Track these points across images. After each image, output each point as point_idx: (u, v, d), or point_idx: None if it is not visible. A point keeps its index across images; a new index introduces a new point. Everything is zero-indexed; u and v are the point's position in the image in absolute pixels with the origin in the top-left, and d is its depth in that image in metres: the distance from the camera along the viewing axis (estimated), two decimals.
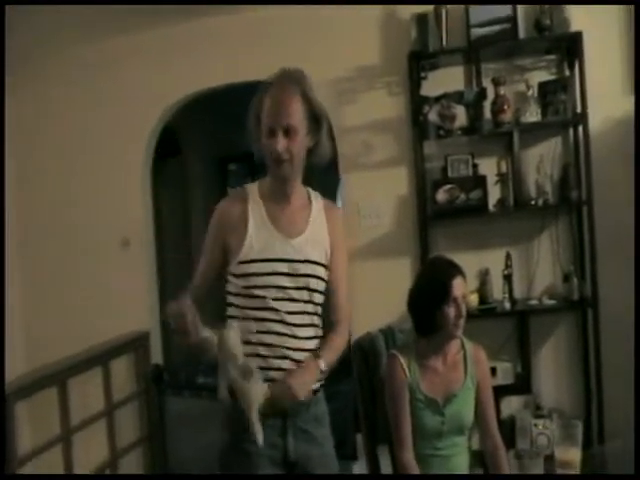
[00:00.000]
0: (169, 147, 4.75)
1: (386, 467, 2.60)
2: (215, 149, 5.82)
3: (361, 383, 2.61)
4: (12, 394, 3.15)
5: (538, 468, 2.04)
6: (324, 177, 4.52)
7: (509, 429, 3.35)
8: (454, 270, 2.45)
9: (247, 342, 2.03)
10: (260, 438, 1.93)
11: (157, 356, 4.17)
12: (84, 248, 4.20)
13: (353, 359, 2.62)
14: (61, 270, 4.25)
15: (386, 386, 2.48)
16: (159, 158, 4.36)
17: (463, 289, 2.43)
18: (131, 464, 4.05)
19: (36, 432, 3.72)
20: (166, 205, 5.02)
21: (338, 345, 2.16)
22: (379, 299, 3.58)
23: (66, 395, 3.56)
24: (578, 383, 3.59)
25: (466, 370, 2.51)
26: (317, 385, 2.12)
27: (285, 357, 2.06)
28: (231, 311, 2.13)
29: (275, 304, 2.06)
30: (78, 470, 3.60)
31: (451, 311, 2.38)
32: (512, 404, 3.54)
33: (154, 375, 4.05)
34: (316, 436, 2.13)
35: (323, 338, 2.16)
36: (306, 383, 2.01)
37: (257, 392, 1.91)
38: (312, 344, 2.12)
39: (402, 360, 2.46)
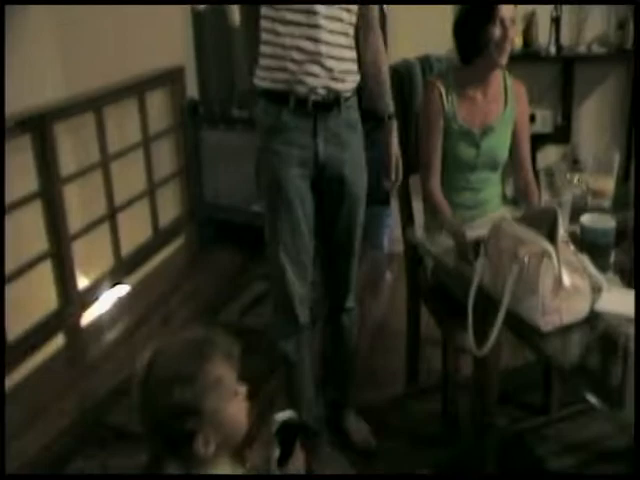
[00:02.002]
0: None
1: (417, 204, 2.62)
2: None
3: (396, 111, 2.56)
4: (49, 114, 3.20)
5: (568, 194, 2.04)
6: None
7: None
8: None
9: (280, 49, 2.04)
10: None
11: (192, 90, 4.15)
12: None
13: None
14: None
15: (421, 112, 2.43)
16: None
17: (512, 13, 2.29)
18: (168, 194, 4.20)
19: (76, 158, 3.83)
20: None
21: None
22: (416, 28, 3.43)
23: (103, 122, 3.60)
24: (619, 140, 3.52)
25: (506, 103, 2.44)
26: (349, 88, 2.15)
27: (317, 63, 2.04)
28: (265, 12, 2.06)
29: (315, 7, 2.00)
30: (118, 196, 3.75)
31: (496, 31, 2.26)
32: (549, 155, 3.50)
33: (189, 108, 4.06)
34: (346, 140, 2.17)
35: None
36: None
37: None
38: (348, 54, 2.12)
39: (440, 86, 2.38)
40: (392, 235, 3.82)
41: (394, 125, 2.30)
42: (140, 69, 3.92)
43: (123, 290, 3.72)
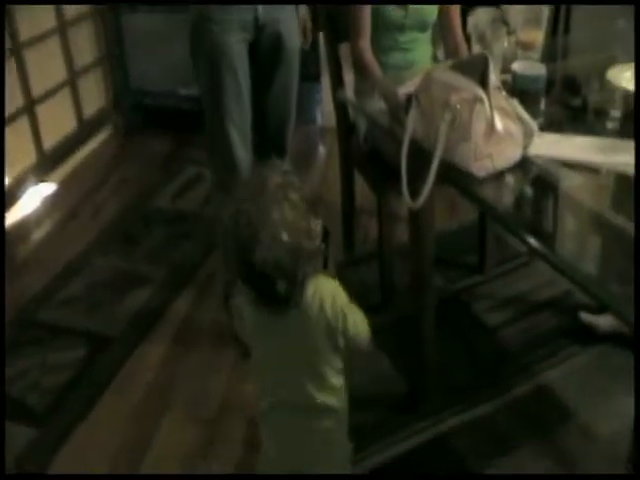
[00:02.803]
0: None
1: (347, 74, 2.56)
2: None
3: None
4: None
5: (499, 45, 2.01)
6: None
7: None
8: None
9: None
10: None
11: None
12: None
13: None
14: None
15: None
16: None
17: None
18: (91, 83, 4.01)
19: None
20: None
21: None
22: None
23: (9, 9, 3.36)
24: None
25: None
26: None
27: None
28: None
29: None
30: (35, 87, 3.55)
31: None
32: (479, 19, 3.42)
33: None
34: None
35: None
36: None
37: None
38: None
39: None
40: (324, 110, 3.79)
41: None
42: None
43: (49, 188, 3.59)
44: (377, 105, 2.00)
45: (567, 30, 3.16)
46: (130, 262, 2.98)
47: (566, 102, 1.82)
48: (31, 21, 3.54)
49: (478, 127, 1.53)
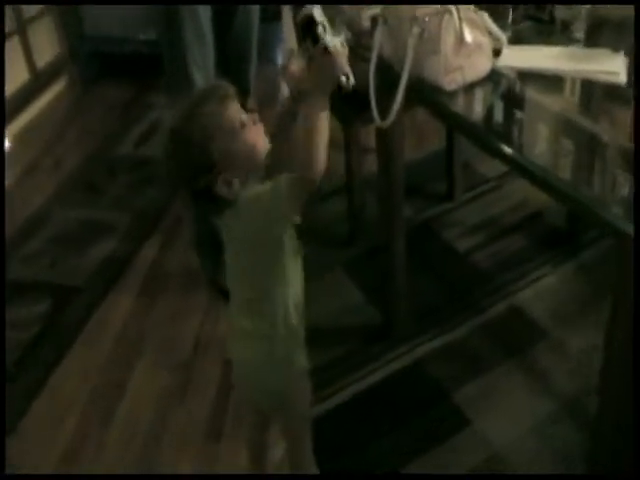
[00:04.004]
0: None
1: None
2: None
3: None
4: None
5: None
6: None
7: None
8: None
9: None
10: None
11: None
12: None
13: None
14: None
15: None
16: None
17: None
18: (42, 32, 3.87)
19: None
20: None
21: None
22: None
23: None
24: None
25: None
26: None
27: None
28: None
29: None
30: None
31: None
32: None
33: None
34: None
35: None
36: None
37: None
38: None
39: None
40: (285, 49, 3.74)
41: None
42: None
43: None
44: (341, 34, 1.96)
45: None
46: (94, 212, 2.92)
47: (533, 16, 1.81)
48: None
49: (447, 39, 1.51)
